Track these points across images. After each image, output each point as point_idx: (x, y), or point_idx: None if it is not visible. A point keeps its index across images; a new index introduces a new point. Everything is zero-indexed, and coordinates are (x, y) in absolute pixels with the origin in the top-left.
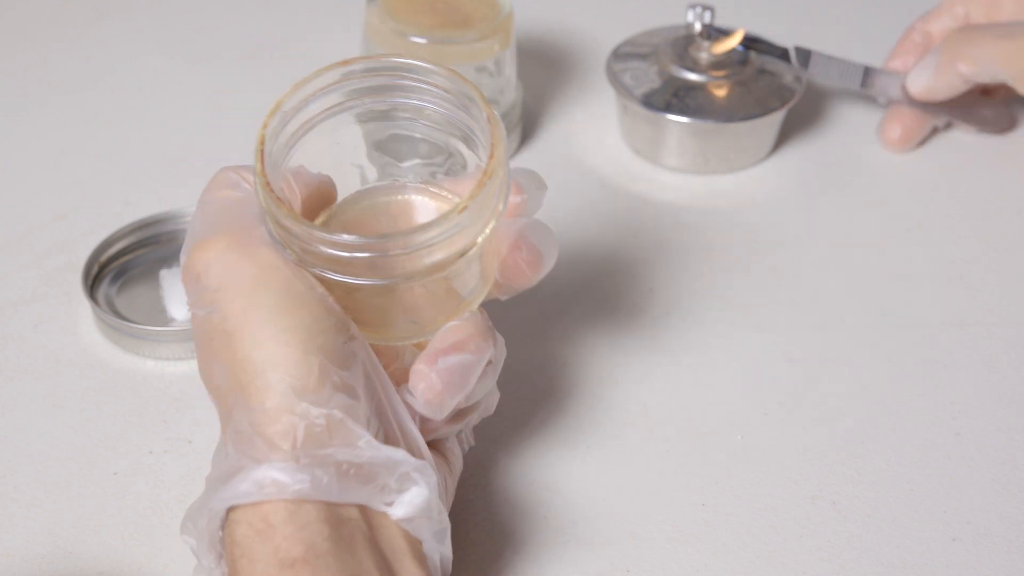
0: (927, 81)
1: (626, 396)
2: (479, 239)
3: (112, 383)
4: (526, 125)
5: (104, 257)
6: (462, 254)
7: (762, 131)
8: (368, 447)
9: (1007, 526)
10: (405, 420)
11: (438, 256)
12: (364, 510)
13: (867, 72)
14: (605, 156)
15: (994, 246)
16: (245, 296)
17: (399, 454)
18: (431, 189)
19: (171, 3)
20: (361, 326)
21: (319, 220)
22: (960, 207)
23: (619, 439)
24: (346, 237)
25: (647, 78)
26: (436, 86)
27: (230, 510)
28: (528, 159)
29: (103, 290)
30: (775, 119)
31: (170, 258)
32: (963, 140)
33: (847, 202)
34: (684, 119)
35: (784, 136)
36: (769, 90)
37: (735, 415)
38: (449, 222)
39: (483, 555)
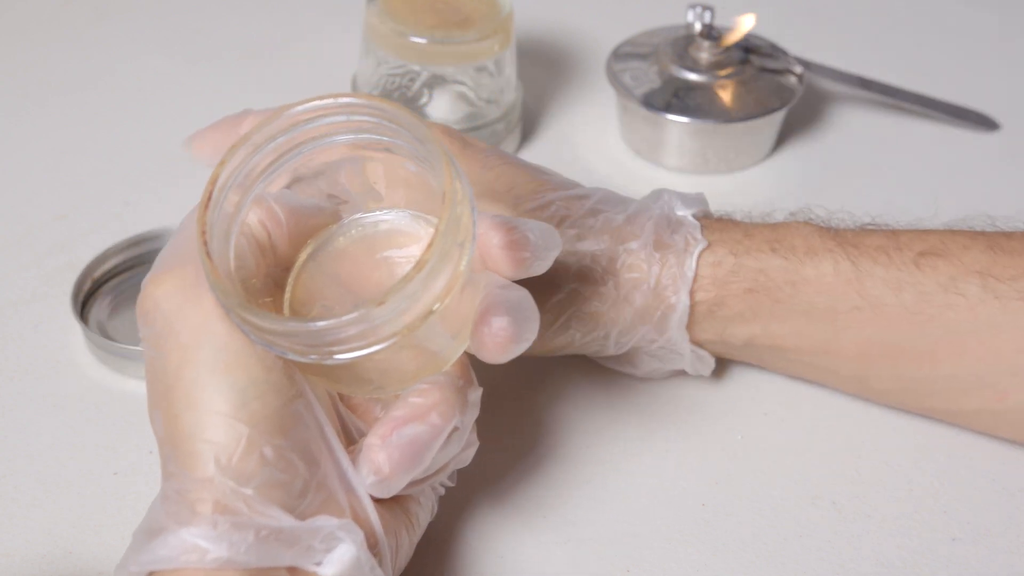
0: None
1: (626, 396)
2: (435, 307)
3: (112, 383)
4: (526, 125)
5: (97, 274)
6: (412, 329)
7: (762, 131)
8: (288, 521)
9: (1007, 526)
10: (353, 483)
11: (381, 334)
12: (293, 570)
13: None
14: (605, 156)
15: None
16: (182, 350)
17: (320, 520)
18: (414, 213)
19: (171, 3)
20: (323, 380)
21: (304, 253)
22: (960, 207)
23: (619, 439)
24: (277, 323)
25: (647, 78)
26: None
27: (151, 573)
28: (528, 159)
29: (95, 311)
30: (775, 119)
31: None
32: (964, 140)
33: (847, 202)
34: (684, 119)
35: (784, 136)
36: (769, 90)
37: (735, 415)
38: (385, 309)
39: (483, 555)
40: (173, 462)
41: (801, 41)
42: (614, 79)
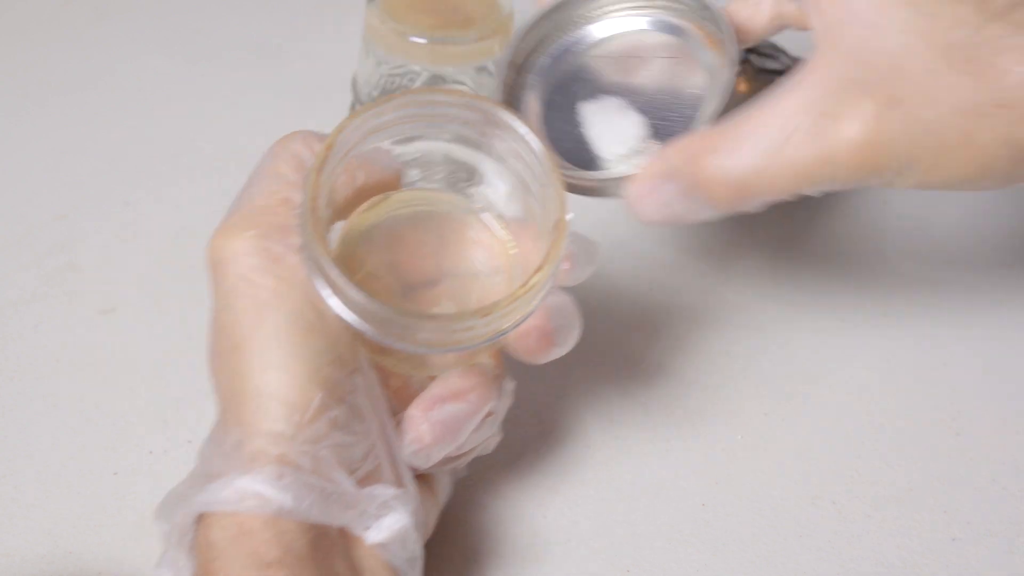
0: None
1: (626, 396)
2: (520, 323)
3: (112, 383)
4: None
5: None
6: (490, 338)
7: None
8: (348, 484)
9: (1007, 526)
10: (397, 454)
11: (467, 340)
12: (342, 530)
13: None
14: None
15: (994, 246)
16: (257, 310)
17: (378, 488)
18: (475, 207)
19: (171, 3)
20: (373, 353)
21: (358, 213)
22: (960, 207)
23: (619, 439)
24: (381, 307)
25: None
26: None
27: (200, 515)
28: None
29: None
30: None
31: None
32: None
33: (847, 202)
34: None
35: None
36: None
37: (735, 415)
38: (485, 320)
39: (483, 555)
40: (235, 415)
41: (801, 41)
42: None
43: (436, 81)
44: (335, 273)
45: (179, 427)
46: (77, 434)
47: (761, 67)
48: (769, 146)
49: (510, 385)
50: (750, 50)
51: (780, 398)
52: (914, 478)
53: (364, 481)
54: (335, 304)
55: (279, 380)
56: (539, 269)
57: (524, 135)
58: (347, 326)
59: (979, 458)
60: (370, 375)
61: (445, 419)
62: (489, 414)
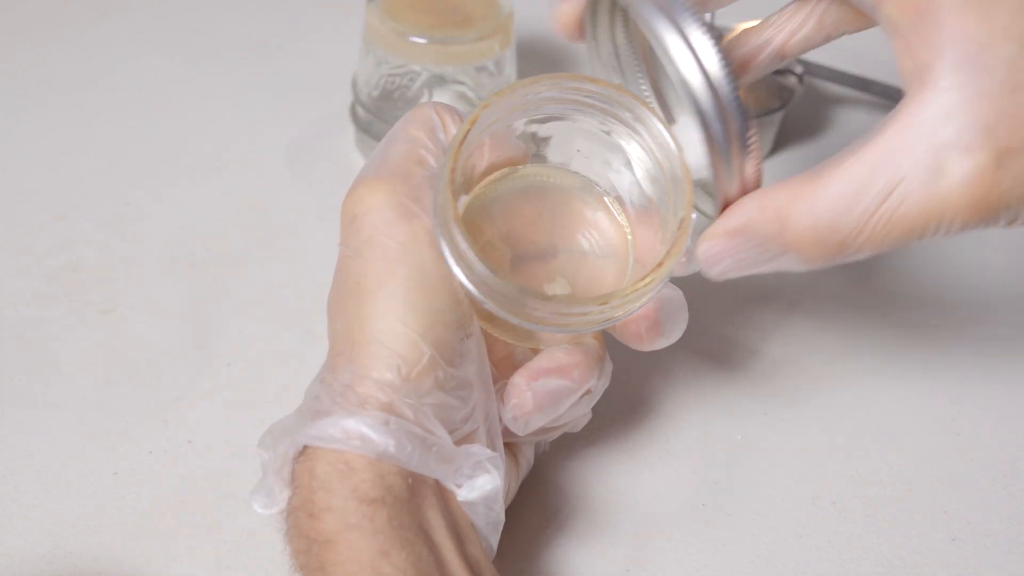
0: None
1: (626, 396)
2: (632, 311)
3: (112, 383)
4: None
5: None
6: (605, 324)
7: (762, 131)
8: (447, 440)
9: (1007, 526)
10: (494, 420)
11: (584, 323)
12: (437, 483)
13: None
14: None
15: (994, 246)
16: (387, 262)
17: (475, 448)
18: (598, 191)
19: (171, 3)
20: (483, 321)
21: (488, 180)
22: None
23: (619, 439)
24: (507, 286)
25: None
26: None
27: (304, 448)
28: None
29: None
30: (775, 119)
31: None
32: None
33: None
34: None
35: (784, 136)
36: (769, 90)
37: (735, 415)
38: (616, 305)
39: None
40: (347, 358)
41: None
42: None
43: (436, 80)
44: (463, 243)
45: (179, 427)
46: (77, 434)
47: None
48: (870, 203)
49: (609, 367)
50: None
51: (780, 398)
52: (914, 478)
53: (460, 441)
54: (458, 271)
55: (395, 331)
56: (660, 264)
57: (662, 132)
58: (466, 292)
59: (979, 458)
60: (481, 343)
61: (549, 391)
62: (588, 392)
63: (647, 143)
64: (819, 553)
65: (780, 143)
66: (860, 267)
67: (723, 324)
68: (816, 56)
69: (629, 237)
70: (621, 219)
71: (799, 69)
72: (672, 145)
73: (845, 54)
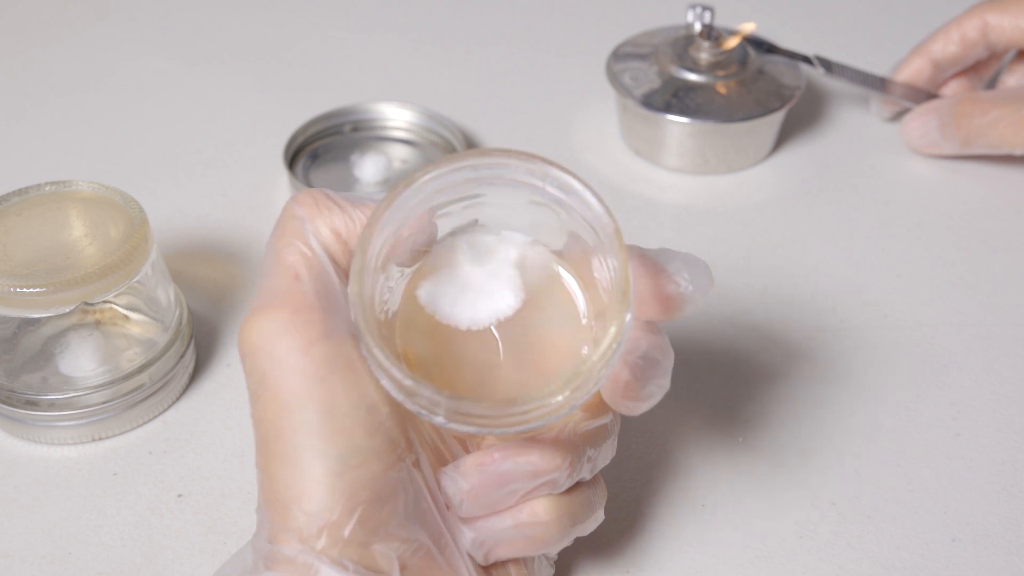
0: (933, 142)
1: None
2: (586, 395)
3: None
4: (527, 125)
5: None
6: (557, 412)
7: (762, 131)
8: None
9: (1007, 526)
10: (452, 549)
11: (534, 417)
12: None
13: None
14: (605, 156)
15: (994, 246)
16: (281, 408)
17: None
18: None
19: (171, 3)
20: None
21: (410, 280)
22: (960, 207)
23: (619, 440)
24: (408, 388)
25: (647, 78)
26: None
27: None
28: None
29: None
30: (775, 119)
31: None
32: None
33: (847, 202)
34: (684, 119)
35: (784, 136)
36: (769, 90)
37: (735, 415)
38: (530, 403)
39: None
40: (267, 512)
41: (799, 42)
42: (614, 79)
43: None
44: (384, 359)
45: (179, 428)
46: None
47: (761, 67)
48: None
49: (593, 460)
50: (770, 51)
51: (780, 398)
52: (914, 478)
53: (411, 572)
54: (389, 387)
55: (302, 483)
56: (603, 350)
57: (584, 194)
58: (401, 407)
59: (979, 458)
60: (425, 464)
61: (494, 472)
62: (549, 482)
63: (574, 208)
64: (819, 553)
65: (780, 143)
66: (860, 268)
67: (723, 324)
68: (808, 52)
69: (579, 293)
70: (566, 274)
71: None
72: (600, 208)
73: (841, 55)
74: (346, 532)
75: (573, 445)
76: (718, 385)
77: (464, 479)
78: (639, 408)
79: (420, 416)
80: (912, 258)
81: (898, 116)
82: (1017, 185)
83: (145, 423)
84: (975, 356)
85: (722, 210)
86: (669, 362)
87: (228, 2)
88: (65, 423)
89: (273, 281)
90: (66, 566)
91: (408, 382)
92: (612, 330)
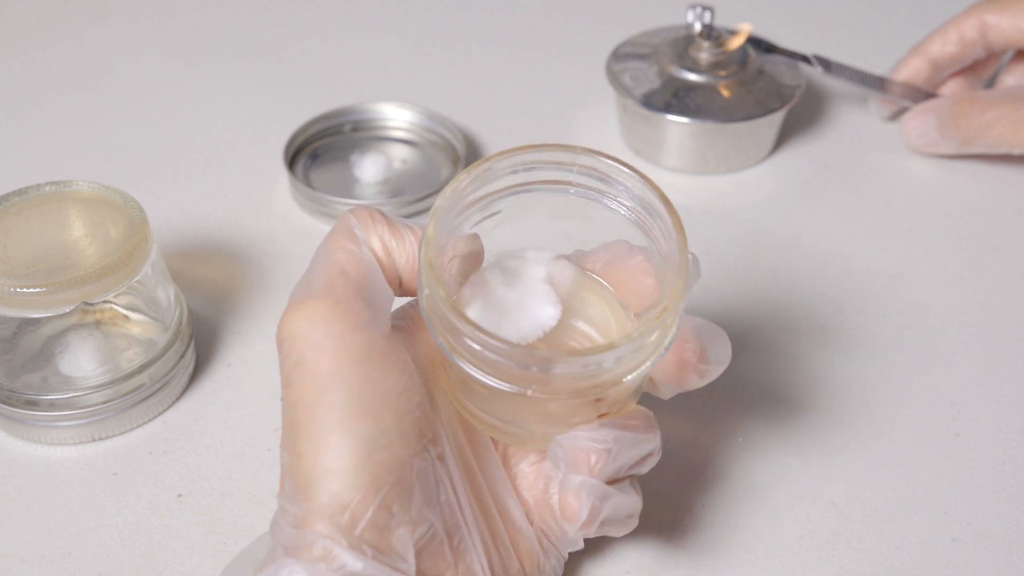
0: (932, 142)
1: None
2: (650, 362)
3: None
4: (528, 125)
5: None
6: (628, 374)
7: (762, 131)
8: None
9: (1007, 527)
10: (469, 546)
11: (604, 379)
12: None
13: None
14: None
15: (994, 246)
16: (316, 389)
17: None
18: (571, 260)
19: (171, 3)
20: (479, 422)
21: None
22: (960, 207)
23: None
24: (502, 345)
25: (647, 78)
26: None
27: None
28: None
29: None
30: (775, 119)
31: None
32: None
33: (847, 202)
34: (684, 119)
35: (784, 136)
36: (769, 90)
37: (735, 415)
38: (626, 347)
39: None
40: (291, 493)
41: (800, 42)
42: (614, 79)
43: None
44: (462, 325)
45: (179, 428)
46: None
47: (761, 67)
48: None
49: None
50: (769, 51)
51: (780, 398)
52: (914, 478)
53: (426, 564)
54: (462, 364)
55: (330, 463)
56: (664, 308)
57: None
58: (473, 385)
59: (979, 458)
60: (449, 456)
61: (610, 435)
62: (650, 455)
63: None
64: (819, 553)
65: (780, 143)
66: (859, 268)
67: (722, 325)
68: (832, 53)
69: (619, 309)
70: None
71: (812, 60)
72: (670, 211)
73: (842, 55)
74: (369, 513)
75: (650, 418)
76: (717, 386)
77: (597, 435)
78: (708, 373)
79: (498, 387)
80: (912, 258)
81: (897, 115)
82: (1017, 185)
83: (145, 423)
84: (975, 356)
85: (722, 210)
86: (724, 335)
87: (228, 2)
88: (65, 423)
89: (319, 275)
90: (66, 566)
91: (491, 341)
92: (680, 283)
